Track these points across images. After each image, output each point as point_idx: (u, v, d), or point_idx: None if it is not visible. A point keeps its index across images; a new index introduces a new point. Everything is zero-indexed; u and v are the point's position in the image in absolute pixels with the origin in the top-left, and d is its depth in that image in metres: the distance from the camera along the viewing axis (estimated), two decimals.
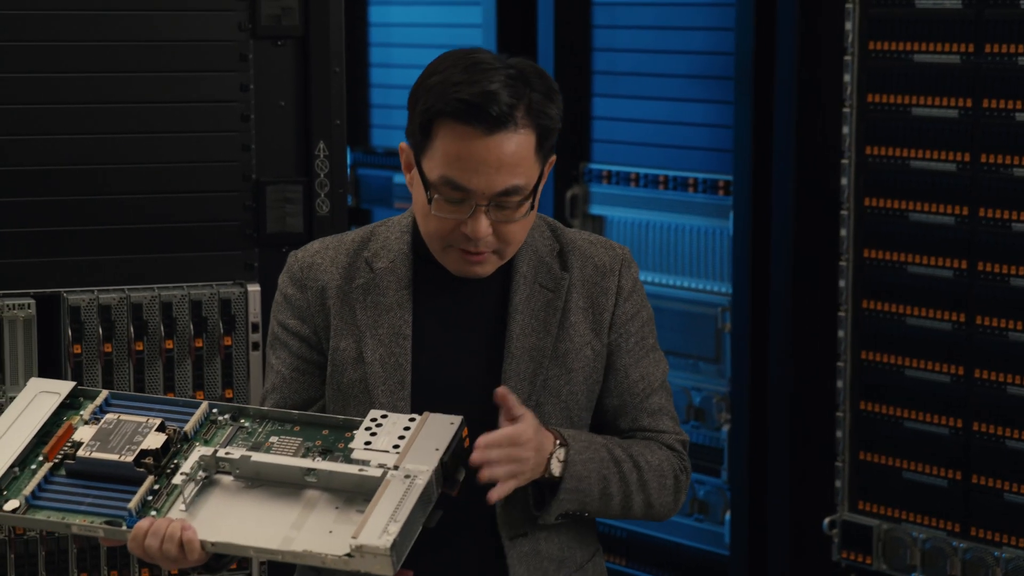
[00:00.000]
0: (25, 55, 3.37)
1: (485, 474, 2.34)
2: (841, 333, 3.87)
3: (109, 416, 2.44)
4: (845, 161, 3.82)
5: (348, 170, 3.68)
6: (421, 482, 2.27)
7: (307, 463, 2.34)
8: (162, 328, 3.41)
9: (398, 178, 5.36)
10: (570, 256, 2.57)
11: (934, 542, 3.73)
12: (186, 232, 3.49)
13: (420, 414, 2.40)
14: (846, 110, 3.80)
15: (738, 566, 4.36)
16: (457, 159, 2.39)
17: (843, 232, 3.84)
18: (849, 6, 3.76)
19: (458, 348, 2.53)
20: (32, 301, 3.36)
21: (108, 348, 3.38)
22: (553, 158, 2.50)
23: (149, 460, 2.37)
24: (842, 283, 3.85)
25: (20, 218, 3.38)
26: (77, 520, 2.35)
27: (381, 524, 2.22)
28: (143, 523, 2.30)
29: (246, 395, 3.46)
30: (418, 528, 2.28)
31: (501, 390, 2.38)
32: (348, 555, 2.22)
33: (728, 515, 4.42)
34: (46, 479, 2.39)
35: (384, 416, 2.38)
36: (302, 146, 3.57)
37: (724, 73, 4.35)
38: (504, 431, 2.36)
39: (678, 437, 2.59)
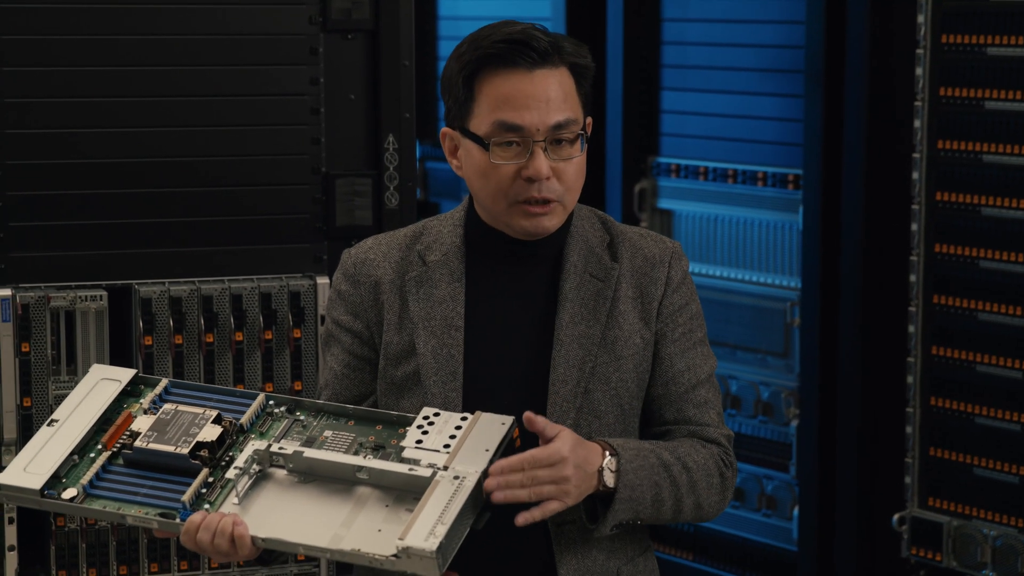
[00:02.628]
0: (97, 49, 3.40)
1: (499, 496, 2.30)
2: (911, 328, 3.84)
3: (167, 407, 2.44)
4: (916, 155, 3.79)
5: (417, 163, 3.68)
6: (469, 483, 2.27)
7: (359, 460, 2.34)
8: (232, 320, 3.43)
9: None
10: (620, 247, 2.58)
11: (1005, 539, 3.70)
12: (256, 225, 3.51)
13: (472, 407, 2.41)
14: (918, 104, 3.77)
15: (806, 562, 4.35)
16: (506, 101, 2.43)
17: (914, 227, 3.82)
18: None
19: (509, 339, 2.54)
20: (104, 293, 3.39)
21: (179, 340, 3.40)
22: (590, 119, 2.52)
23: (204, 452, 2.38)
24: (913, 278, 3.83)
25: (92, 210, 3.41)
26: (132, 511, 2.36)
27: (428, 526, 2.22)
28: (196, 517, 2.31)
29: (314, 388, 3.47)
30: (466, 530, 2.27)
31: (528, 415, 2.35)
32: (395, 556, 2.22)
33: (796, 511, 4.40)
34: (104, 468, 2.40)
35: (436, 414, 2.38)
36: (371, 139, 3.58)
37: (794, 66, 4.33)
38: (526, 453, 2.33)
39: (723, 432, 2.58)
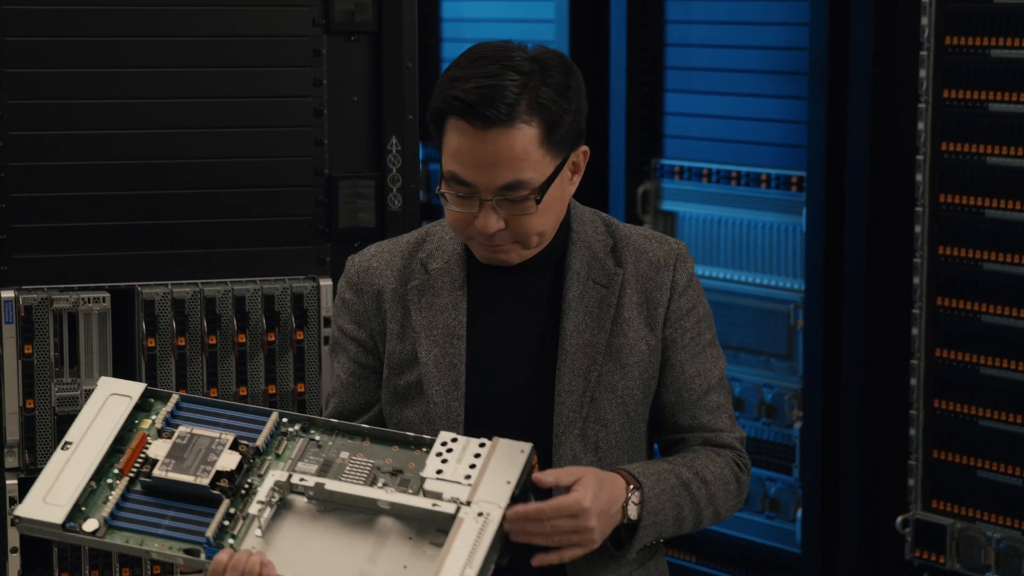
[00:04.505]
0: (100, 51, 3.40)
1: (517, 538, 2.28)
2: (915, 330, 3.84)
3: (182, 429, 2.40)
4: (920, 157, 3.79)
5: (420, 165, 3.68)
6: (494, 522, 2.25)
7: (382, 494, 2.31)
8: (235, 322, 3.43)
9: None
10: (624, 252, 2.55)
11: (1009, 542, 3.70)
12: (259, 226, 3.51)
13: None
14: (921, 106, 3.77)
15: (809, 564, 4.34)
16: (458, 154, 2.39)
17: (917, 229, 3.81)
18: (925, 1, 3.73)
19: (512, 348, 2.52)
20: (107, 295, 3.39)
21: (181, 342, 3.40)
22: (584, 149, 2.46)
23: (224, 482, 2.35)
24: (916, 280, 3.83)
25: (96, 212, 3.41)
26: (155, 545, 2.33)
27: (457, 569, 2.20)
28: (222, 556, 2.28)
29: (317, 389, 3.47)
30: (491, 567, 2.26)
31: (536, 475, 2.31)
32: None
33: (799, 513, 4.39)
34: (123, 497, 2.37)
35: (454, 440, 2.34)
36: (375, 141, 3.58)
37: (798, 68, 4.32)
38: (546, 503, 2.29)
39: (735, 435, 2.57)
